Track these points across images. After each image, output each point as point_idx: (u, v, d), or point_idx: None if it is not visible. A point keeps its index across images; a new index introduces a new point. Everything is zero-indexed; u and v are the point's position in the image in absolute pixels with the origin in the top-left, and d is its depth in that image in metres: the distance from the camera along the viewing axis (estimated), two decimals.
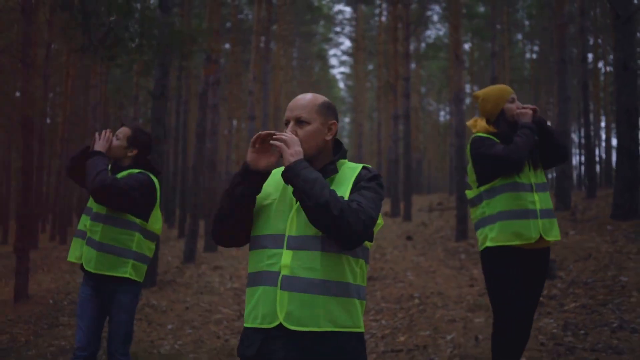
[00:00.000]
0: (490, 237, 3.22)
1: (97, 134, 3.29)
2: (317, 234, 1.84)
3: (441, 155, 51.05)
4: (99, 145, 3.23)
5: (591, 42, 26.10)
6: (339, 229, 1.75)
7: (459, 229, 11.07)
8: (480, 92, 3.46)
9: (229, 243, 2.00)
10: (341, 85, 59.97)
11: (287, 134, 1.88)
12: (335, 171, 1.97)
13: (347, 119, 60.12)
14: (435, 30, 43.10)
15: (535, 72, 34.49)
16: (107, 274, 3.15)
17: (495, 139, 3.29)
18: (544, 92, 36.33)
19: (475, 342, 4.80)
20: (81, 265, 3.24)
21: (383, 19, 32.11)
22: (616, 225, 9.04)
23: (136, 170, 3.27)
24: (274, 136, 1.86)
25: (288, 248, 1.84)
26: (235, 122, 29.43)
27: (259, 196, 1.97)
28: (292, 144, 1.85)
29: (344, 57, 50.92)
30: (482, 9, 29.96)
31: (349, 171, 1.99)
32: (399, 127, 20.04)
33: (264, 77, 20.28)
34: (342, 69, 66.63)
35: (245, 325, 1.91)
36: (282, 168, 1.94)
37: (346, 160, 2.05)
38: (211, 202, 13.12)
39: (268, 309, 1.81)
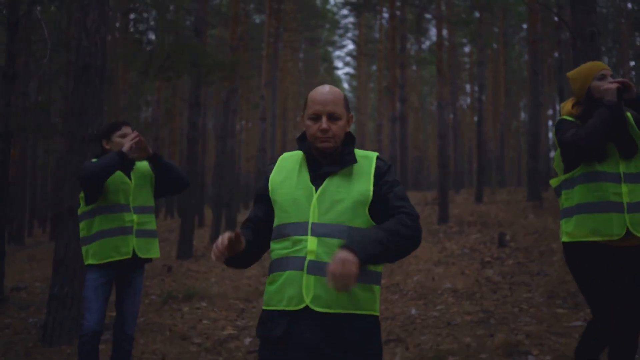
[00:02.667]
0: (566, 231, 2.86)
1: (134, 133, 3.44)
2: (342, 222, 1.90)
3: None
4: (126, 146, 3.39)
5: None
6: (415, 241, 1.90)
7: (440, 215, 13.12)
8: (571, 72, 3.04)
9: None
10: (345, 85, 61.91)
11: (334, 267, 1.71)
12: (355, 160, 2.00)
13: None
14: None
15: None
16: (152, 256, 3.59)
17: (579, 121, 2.88)
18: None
19: (432, 280, 6.92)
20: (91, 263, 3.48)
21: (384, 22, 33.90)
22: None
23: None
24: (331, 279, 1.71)
25: (313, 235, 1.89)
26: (243, 122, 31.51)
27: (273, 187, 2.03)
28: (344, 272, 1.70)
29: (348, 59, 52.85)
30: (477, 15, 31.87)
31: (365, 161, 2.03)
32: (396, 128, 22.04)
33: (272, 81, 22.29)
34: (347, 70, 68.56)
35: (267, 308, 1.96)
36: (291, 153, 2.11)
37: (356, 149, 2.07)
38: (231, 194, 15.19)
39: (294, 291, 1.87)
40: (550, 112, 33.00)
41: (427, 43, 39.48)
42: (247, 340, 5.27)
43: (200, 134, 25.93)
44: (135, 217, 3.49)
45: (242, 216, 22.00)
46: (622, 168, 2.77)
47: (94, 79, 5.65)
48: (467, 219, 12.90)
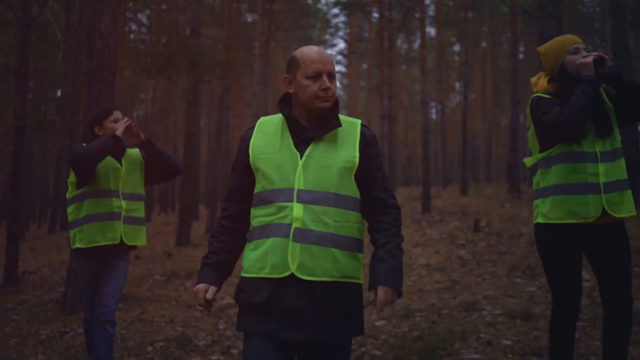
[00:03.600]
0: (542, 212, 2.77)
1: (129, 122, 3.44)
2: (329, 189, 1.88)
3: (432, 151, 53.79)
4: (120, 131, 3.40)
5: None
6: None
7: (424, 206, 13.90)
8: (542, 47, 2.87)
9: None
10: (337, 84, 62.45)
11: (384, 303, 1.86)
12: (340, 124, 1.95)
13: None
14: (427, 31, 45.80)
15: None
16: (138, 244, 3.57)
17: (556, 98, 2.74)
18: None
19: (410, 258, 7.68)
20: (79, 248, 3.47)
21: (373, 20, 34.60)
22: None
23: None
24: None
25: (299, 201, 1.86)
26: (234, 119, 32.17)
27: (254, 153, 1.97)
28: (390, 303, 1.87)
29: (339, 57, 53.64)
30: (470, 14, 32.63)
31: (349, 127, 1.99)
32: (385, 126, 22.78)
33: (264, 79, 22.98)
34: (338, 68, 69.32)
35: (247, 275, 1.93)
36: (270, 117, 2.05)
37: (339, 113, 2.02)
38: (226, 186, 15.87)
39: (278, 259, 1.85)
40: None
41: (418, 42, 40.40)
42: None
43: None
44: (124, 203, 3.47)
45: None
46: (599, 147, 2.68)
47: (107, 77, 6.33)
48: (449, 209, 13.67)
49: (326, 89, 1.92)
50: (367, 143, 1.98)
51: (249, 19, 33.98)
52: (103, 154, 3.31)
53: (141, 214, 3.61)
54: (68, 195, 3.56)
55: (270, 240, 1.89)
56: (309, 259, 1.84)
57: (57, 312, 6.04)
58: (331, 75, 1.95)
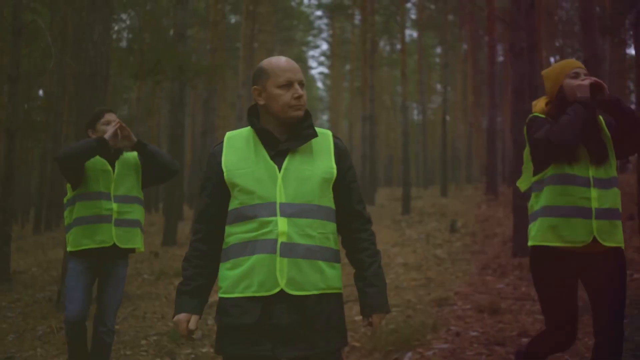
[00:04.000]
0: (532, 235, 2.74)
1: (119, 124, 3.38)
2: (312, 202, 1.87)
3: (414, 152, 54.37)
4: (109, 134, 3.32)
5: None
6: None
7: (404, 207, 14.34)
8: (545, 70, 2.90)
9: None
10: (319, 84, 62.75)
11: (377, 325, 2.00)
12: (315, 134, 1.94)
13: (325, 117, 62.89)
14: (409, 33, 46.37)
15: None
16: (132, 246, 3.48)
17: (551, 120, 2.74)
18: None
19: (388, 257, 8.07)
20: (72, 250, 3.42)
21: (356, 21, 35.02)
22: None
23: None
24: None
25: (282, 215, 1.83)
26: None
27: (228, 169, 1.92)
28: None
29: (322, 58, 53.92)
30: (451, 17, 33.18)
31: (322, 137, 1.98)
32: (366, 127, 23.19)
33: (249, 81, 23.26)
34: (321, 69, 69.58)
35: (228, 296, 1.87)
36: (235, 132, 2.01)
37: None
38: None
39: (265, 276, 1.81)
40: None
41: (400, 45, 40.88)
42: None
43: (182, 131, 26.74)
44: (115, 205, 3.41)
45: None
46: (592, 172, 2.64)
47: (99, 84, 6.62)
48: (428, 210, 14.13)
49: (299, 97, 1.91)
50: (340, 154, 1.98)
51: (233, 20, 34.21)
52: (84, 155, 3.26)
53: (136, 216, 3.52)
54: (65, 200, 3.55)
55: (254, 257, 1.83)
56: (297, 274, 1.82)
57: (51, 310, 6.31)
58: (301, 84, 1.93)
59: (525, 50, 7.94)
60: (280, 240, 1.82)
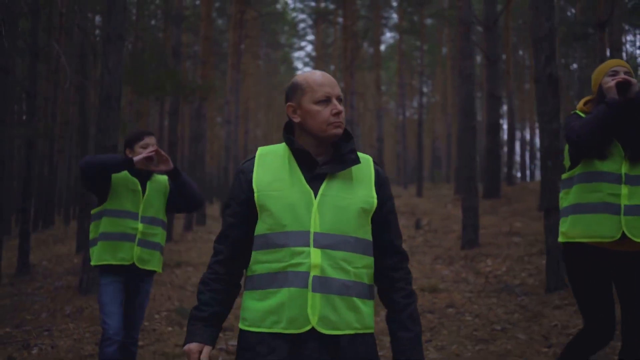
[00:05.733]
0: (562, 231, 2.80)
1: (158, 149, 3.37)
2: (348, 233, 1.72)
3: (395, 153, 55.70)
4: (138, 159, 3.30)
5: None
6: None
7: None
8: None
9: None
10: None
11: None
12: (358, 161, 1.79)
13: None
14: (391, 35, 47.61)
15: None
16: (150, 268, 3.48)
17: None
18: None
19: None
20: (101, 265, 3.43)
21: (339, 27, 36.16)
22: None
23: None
24: None
25: (316, 246, 1.68)
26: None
27: (260, 189, 1.76)
28: None
29: (307, 59, 54.95)
30: (430, 21, 34.44)
31: (364, 163, 1.83)
32: (348, 129, 24.42)
33: (235, 85, 24.43)
34: (307, 70, 70.64)
35: (253, 330, 1.72)
36: (269, 148, 1.86)
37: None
38: (201, 190, 17.43)
39: (297, 312, 1.66)
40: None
41: (383, 45, 42.25)
42: None
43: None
44: (141, 226, 3.43)
45: (211, 209, 24.22)
46: (625, 169, 2.65)
47: (114, 105, 7.88)
48: (401, 209, 15.50)
49: (338, 113, 1.78)
50: (381, 183, 1.83)
51: (220, 22, 35.26)
52: (107, 169, 3.27)
53: (159, 239, 3.55)
54: (92, 211, 3.60)
55: (284, 291, 1.69)
56: (330, 311, 1.67)
57: (75, 294, 7.58)
58: (339, 99, 1.81)
59: (499, 60, 9.33)
60: (312, 273, 1.67)
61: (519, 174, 37.29)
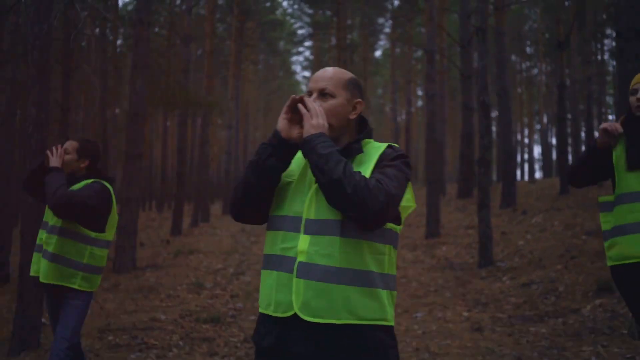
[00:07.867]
0: (608, 255, 2.78)
1: (48, 151, 3.26)
2: (337, 217, 1.64)
3: None
4: (54, 161, 3.19)
5: None
6: (354, 207, 1.57)
7: None
8: None
9: (247, 219, 1.83)
10: (303, 88, 64.73)
11: (316, 104, 1.69)
12: (360, 151, 1.76)
13: None
14: (384, 43, 49.27)
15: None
16: (57, 283, 3.14)
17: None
18: None
19: None
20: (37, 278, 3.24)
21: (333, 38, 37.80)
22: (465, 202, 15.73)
23: (90, 180, 3.27)
24: (301, 101, 1.69)
25: (306, 232, 1.67)
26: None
27: (285, 174, 1.77)
28: (315, 114, 1.67)
29: (306, 63, 56.20)
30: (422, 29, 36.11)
31: (374, 150, 1.77)
32: None
33: (235, 91, 26.10)
34: (305, 73, 71.90)
35: (260, 310, 1.78)
36: None
37: (372, 140, 1.83)
38: (205, 190, 19.25)
39: (283, 296, 1.67)
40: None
41: (379, 52, 44.00)
42: (230, 270, 9.47)
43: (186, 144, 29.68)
44: (44, 235, 3.23)
45: (215, 208, 26.08)
46: None
47: (141, 121, 9.72)
48: None
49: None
50: (382, 159, 1.73)
51: (220, 29, 36.94)
52: (58, 187, 3.08)
53: (54, 249, 3.13)
54: None
55: (275, 274, 1.71)
56: (312, 297, 1.62)
57: (109, 273, 9.39)
58: (323, 93, 1.76)
59: (472, 76, 11.11)
60: (298, 259, 1.65)
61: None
